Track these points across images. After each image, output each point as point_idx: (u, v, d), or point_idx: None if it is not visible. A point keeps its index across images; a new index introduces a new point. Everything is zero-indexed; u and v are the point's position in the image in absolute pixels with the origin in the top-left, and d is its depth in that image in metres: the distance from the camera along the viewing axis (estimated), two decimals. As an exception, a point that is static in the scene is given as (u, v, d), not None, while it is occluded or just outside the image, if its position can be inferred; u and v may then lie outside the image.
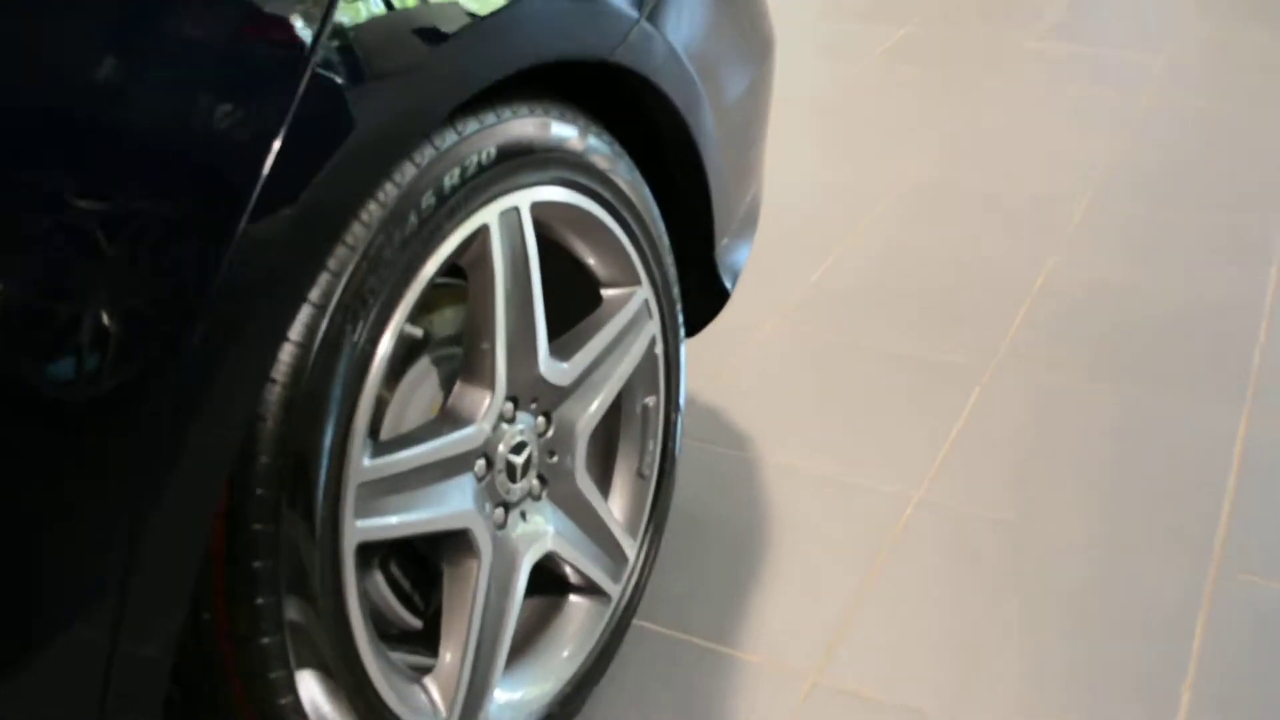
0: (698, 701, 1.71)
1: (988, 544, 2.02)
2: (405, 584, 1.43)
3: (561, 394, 1.49)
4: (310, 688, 1.19)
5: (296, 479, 1.12)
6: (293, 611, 1.15)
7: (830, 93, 4.03)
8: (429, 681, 1.37)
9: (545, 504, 1.51)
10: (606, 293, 1.58)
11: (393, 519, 1.25)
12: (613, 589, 1.63)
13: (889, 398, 2.42)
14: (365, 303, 1.15)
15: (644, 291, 1.59)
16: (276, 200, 0.99)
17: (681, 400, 1.73)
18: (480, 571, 1.38)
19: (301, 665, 1.18)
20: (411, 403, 1.37)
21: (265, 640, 1.14)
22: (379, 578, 1.39)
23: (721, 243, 1.81)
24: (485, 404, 1.36)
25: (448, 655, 1.37)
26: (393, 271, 1.17)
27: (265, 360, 1.06)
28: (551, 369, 1.44)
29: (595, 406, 1.54)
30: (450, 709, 1.37)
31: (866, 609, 1.89)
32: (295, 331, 1.10)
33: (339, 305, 1.12)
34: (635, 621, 1.82)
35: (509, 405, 1.41)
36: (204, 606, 1.12)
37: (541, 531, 1.50)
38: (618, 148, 1.50)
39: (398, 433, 1.35)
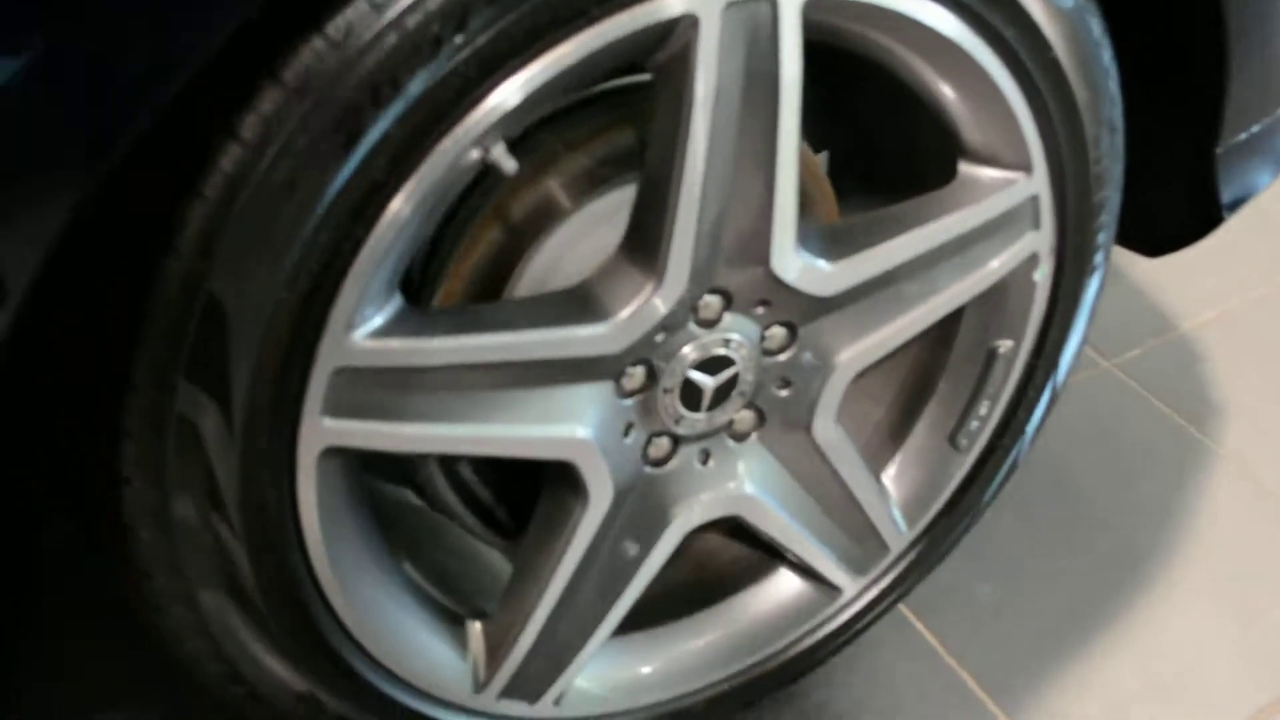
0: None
1: None
2: (484, 492, 1.02)
3: (818, 306, 0.94)
4: (218, 609, 0.85)
5: (206, 344, 0.73)
6: (184, 509, 0.80)
7: None
8: (475, 631, 0.98)
9: (754, 449, 1.01)
10: (965, 169, 0.97)
11: (408, 428, 0.83)
12: (847, 583, 1.11)
13: None
14: (378, 93, 0.70)
15: (1033, 183, 0.96)
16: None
17: (1065, 359, 1.10)
18: (580, 522, 0.93)
19: (204, 583, 0.84)
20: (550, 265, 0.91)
21: (144, 536, 0.80)
22: (437, 475, 0.99)
23: (1234, 139, 1.08)
24: (640, 297, 0.86)
25: (506, 618, 0.97)
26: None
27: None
28: (798, 267, 0.90)
29: (879, 336, 0.98)
30: (484, 683, 0.97)
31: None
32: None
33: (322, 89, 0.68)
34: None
35: (713, 301, 0.90)
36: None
37: (727, 485, 1.01)
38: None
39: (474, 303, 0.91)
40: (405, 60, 0.70)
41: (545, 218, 0.91)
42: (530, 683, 1.00)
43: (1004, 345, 1.06)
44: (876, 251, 0.94)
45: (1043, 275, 1.03)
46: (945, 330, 1.07)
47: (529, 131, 0.87)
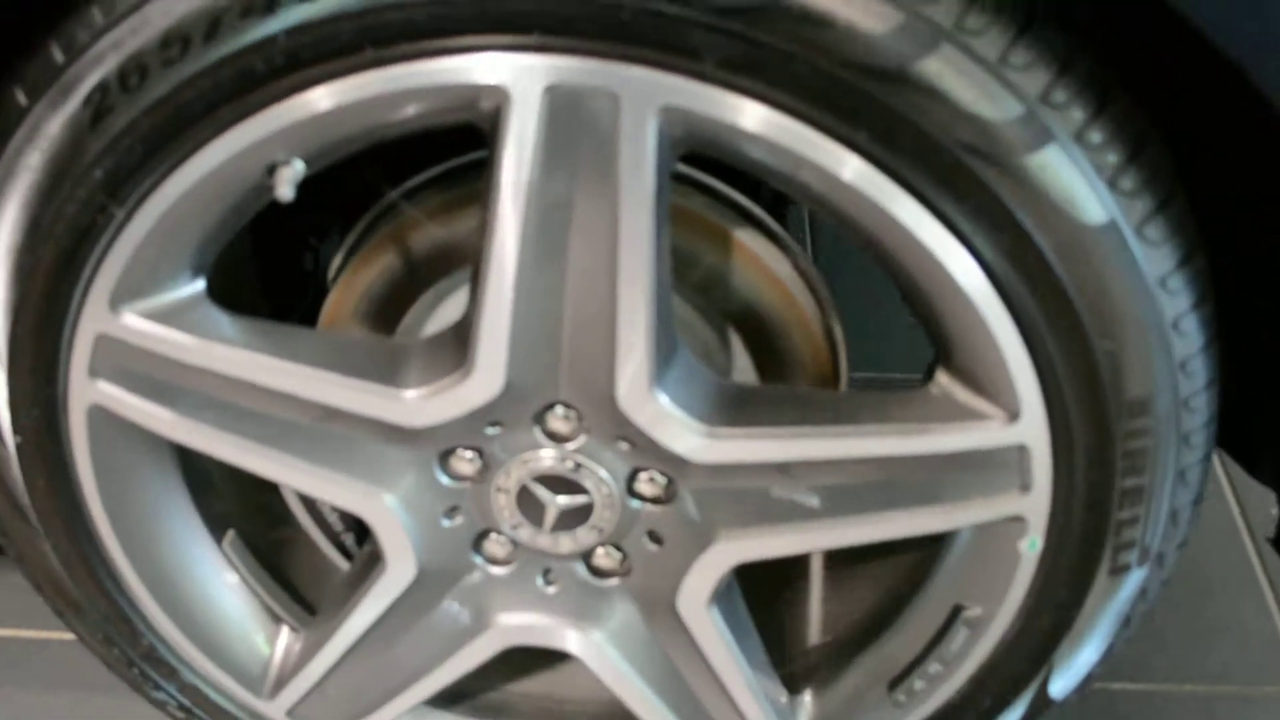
0: None
1: None
2: (335, 521, 0.95)
3: (694, 469, 0.78)
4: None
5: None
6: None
7: None
8: (283, 635, 0.93)
9: (614, 592, 0.86)
10: (939, 375, 0.75)
11: (176, 420, 0.78)
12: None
13: None
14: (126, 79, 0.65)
15: (1017, 432, 0.72)
16: None
17: (1064, 665, 0.83)
18: (375, 583, 0.85)
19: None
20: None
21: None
22: (299, 504, 0.93)
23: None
24: (447, 379, 0.75)
25: (311, 638, 0.91)
26: None
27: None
28: (651, 412, 0.75)
29: (772, 540, 0.80)
30: (272, 691, 0.92)
31: None
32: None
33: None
34: None
35: (563, 415, 0.77)
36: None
37: (571, 619, 0.87)
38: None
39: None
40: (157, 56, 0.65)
41: (438, 264, 0.82)
42: (323, 714, 0.94)
43: (971, 609, 0.82)
44: (777, 436, 0.75)
45: (1032, 549, 0.78)
46: (912, 553, 0.85)
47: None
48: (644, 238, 0.68)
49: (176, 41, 0.65)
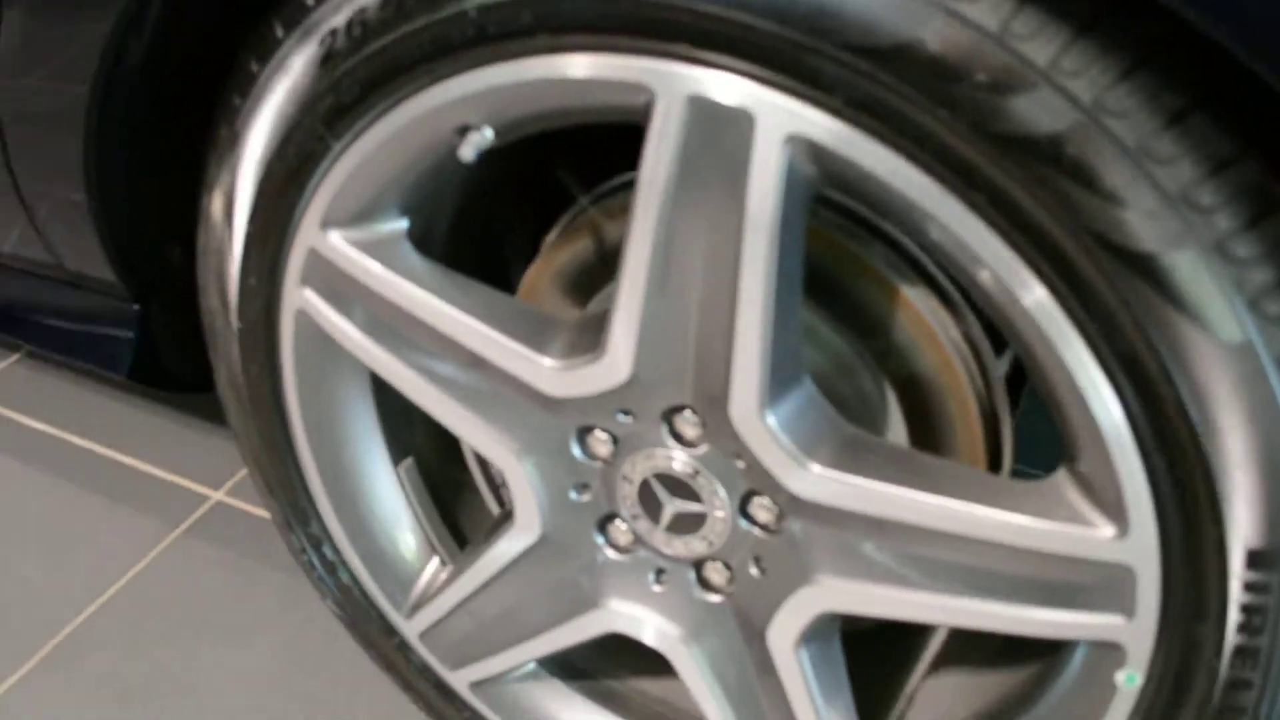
0: None
1: None
2: (498, 473, 1.00)
3: (798, 503, 0.78)
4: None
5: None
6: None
7: None
8: (432, 564, 1.01)
9: (715, 607, 0.87)
10: (1062, 470, 0.71)
11: (354, 332, 0.87)
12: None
13: None
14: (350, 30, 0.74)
15: (1124, 549, 0.67)
16: None
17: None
18: (502, 535, 0.91)
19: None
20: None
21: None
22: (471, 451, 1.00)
23: None
24: (582, 357, 0.80)
25: (450, 574, 0.99)
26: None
27: None
28: (760, 432, 0.75)
29: (867, 592, 0.78)
30: (411, 612, 1.00)
31: None
32: None
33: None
34: None
35: (688, 417, 0.80)
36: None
37: (670, 620, 0.89)
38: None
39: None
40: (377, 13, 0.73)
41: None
42: (447, 646, 1.01)
43: (1059, 730, 0.76)
44: (873, 488, 0.74)
45: (1129, 684, 0.72)
46: (1028, 669, 0.80)
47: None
48: (763, 262, 0.69)
49: (392, 3, 0.73)
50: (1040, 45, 0.58)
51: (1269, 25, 0.52)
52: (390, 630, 1.03)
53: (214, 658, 1.26)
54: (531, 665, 1.01)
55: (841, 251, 0.81)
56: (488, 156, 0.77)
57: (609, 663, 1.04)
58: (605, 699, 1.03)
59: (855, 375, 0.84)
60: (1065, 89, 0.58)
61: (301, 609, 1.29)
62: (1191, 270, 0.59)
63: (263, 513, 1.39)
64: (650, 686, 1.03)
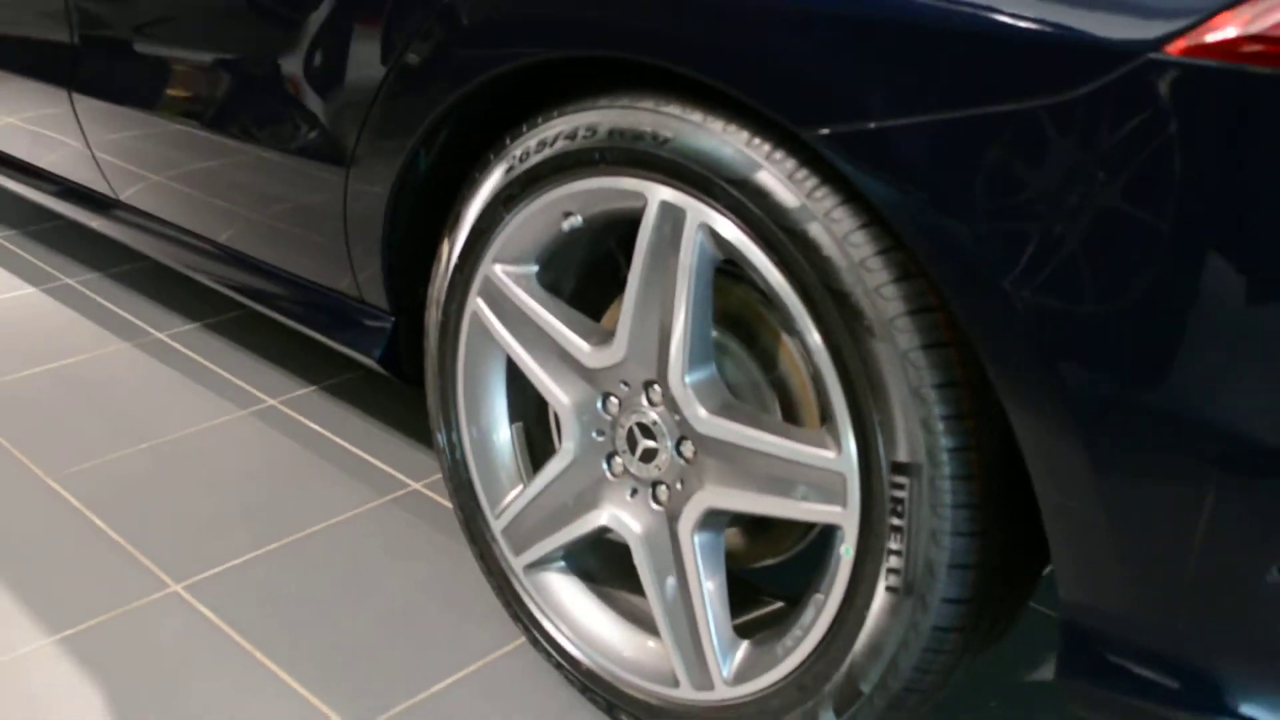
0: None
1: None
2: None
3: (700, 438, 1.40)
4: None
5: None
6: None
7: None
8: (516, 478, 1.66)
9: (656, 512, 1.48)
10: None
11: (499, 325, 1.57)
12: (678, 677, 1.49)
13: None
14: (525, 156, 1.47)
15: (839, 463, 1.27)
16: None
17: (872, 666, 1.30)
18: (556, 454, 1.56)
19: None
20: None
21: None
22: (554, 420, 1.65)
23: None
24: (604, 346, 1.46)
25: (527, 483, 1.65)
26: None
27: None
28: (682, 396, 1.39)
29: (724, 499, 1.39)
30: (498, 514, 1.66)
31: None
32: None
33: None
34: None
35: (655, 393, 1.44)
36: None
37: (634, 519, 1.50)
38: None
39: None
40: (535, 145, 1.46)
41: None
42: (515, 539, 1.65)
43: (818, 595, 1.33)
44: (731, 426, 1.35)
45: (848, 555, 1.28)
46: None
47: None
48: (686, 293, 1.33)
49: (539, 143, 1.45)
50: (819, 198, 1.22)
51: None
52: (486, 524, 1.68)
53: (357, 607, 1.93)
54: (560, 561, 1.63)
55: (735, 295, 1.44)
56: (588, 232, 1.46)
57: (608, 573, 1.65)
58: (602, 596, 1.63)
59: (745, 368, 1.46)
60: (822, 220, 1.22)
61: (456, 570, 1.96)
62: (875, 314, 1.20)
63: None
64: (630, 594, 1.63)
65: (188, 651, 1.76)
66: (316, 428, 2.37)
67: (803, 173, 1.22)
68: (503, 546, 1.67)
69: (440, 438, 1.71)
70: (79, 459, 2.24)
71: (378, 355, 1.87)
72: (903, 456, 1.21)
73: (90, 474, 2.20)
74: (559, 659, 1.64)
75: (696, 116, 1.29)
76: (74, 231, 3.37)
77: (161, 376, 2.57)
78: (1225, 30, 0.92)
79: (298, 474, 2.21)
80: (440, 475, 2.00)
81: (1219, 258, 0.96)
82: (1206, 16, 0.93)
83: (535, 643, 1.67)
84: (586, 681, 1.61)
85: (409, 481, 2.19)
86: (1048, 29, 0.99)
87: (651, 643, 1.56)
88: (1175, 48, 0.94)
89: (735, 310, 1.45)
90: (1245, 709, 1.08)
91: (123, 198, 2.46)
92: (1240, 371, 0.98)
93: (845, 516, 1.27)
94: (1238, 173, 0.94)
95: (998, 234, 1.06)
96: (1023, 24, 1.01)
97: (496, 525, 1.67)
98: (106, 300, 2.95)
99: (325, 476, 2.20)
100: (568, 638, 1.62)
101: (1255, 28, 0.91)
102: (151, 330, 2.79)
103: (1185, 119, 0.94)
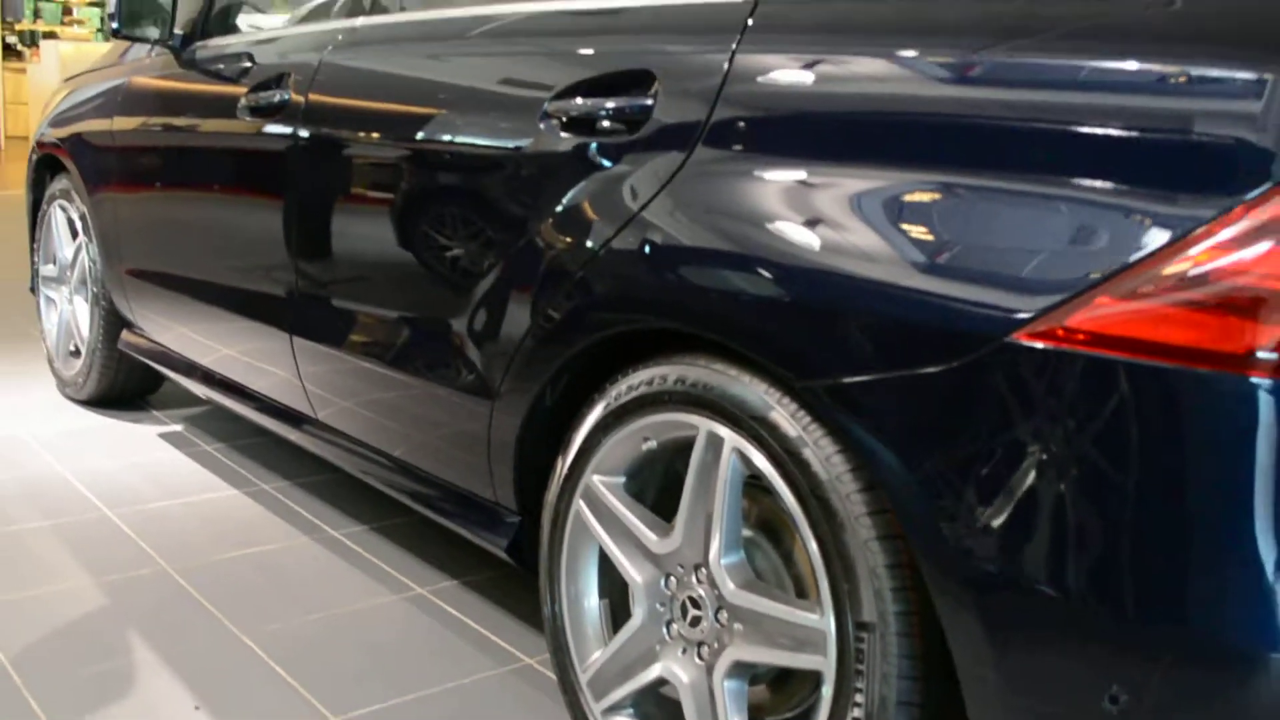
0: None
1: None
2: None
3: (729, 605, 1.89)
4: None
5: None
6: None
7: None
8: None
9: (698, 665, 1.96)
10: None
11: (593, 519, 2.11)
12: None
13: None
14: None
15: (822, 622, 1.75)
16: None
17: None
18: (629, 594, 2.07)
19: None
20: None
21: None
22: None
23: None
24: (666, 539, 1.99)
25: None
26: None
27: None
28: (722, 574, 1.90)
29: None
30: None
31: None
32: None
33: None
34: None
35: (700, 575, 1.95)
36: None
37: (684, 671, 1.98)
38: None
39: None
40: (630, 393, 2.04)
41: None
42: (597, 687, 2.14)
43: (809, 723, 1.78)
44: (752, 598, 1.85)
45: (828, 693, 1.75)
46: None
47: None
48: (722, 501, 1.86)
49: (628, 387, 2.02)
50: (810, 431, 1.75)
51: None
52: (576, 677, 2.17)
53: None
54: (630, 708, 2.11)
55: (765, 503, 1.95)
56: (662, 452, 2.02)
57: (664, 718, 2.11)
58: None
59: (764, 549, 1.95)
60: (812, 446, 1.75)
61: None
62: (847, 514, 1.71)
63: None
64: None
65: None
66: (453, 611, 2.91)
67: (801, 413, 1.76)
68: (588, 695, 2.16)
69: (546, 609, 2.23)
70: (269, 621, 2.82)
71: (505, 546, 2.42)
72: (865, 617, 1.68)
73: (277, 632, 2.77)
74: (629, 785, 2.10)
75: (733, 371, 1.86)
76: (272, 443, 4.07)
77: (333, 565, 3.16)
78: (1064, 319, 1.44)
79: (432, 644, 2.74)
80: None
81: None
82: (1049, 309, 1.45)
83: (610, 772, 2.14)
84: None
85: (523, 657, 2.70)
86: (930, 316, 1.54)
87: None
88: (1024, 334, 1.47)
89: (763, 515, 1.97)
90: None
91: (320, 417, 3.12)
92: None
93: (826, 664, 1.74)
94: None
95: (916, 456, 1.58)
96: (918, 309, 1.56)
97: (584, 677, 2.17)
98: (293, 503, 3.60)
99: (454, 649, 2.72)
100: (636, 769, 2.09)
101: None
102: (328, 528, 3.41)
103: (1030, 389, 1.46)
